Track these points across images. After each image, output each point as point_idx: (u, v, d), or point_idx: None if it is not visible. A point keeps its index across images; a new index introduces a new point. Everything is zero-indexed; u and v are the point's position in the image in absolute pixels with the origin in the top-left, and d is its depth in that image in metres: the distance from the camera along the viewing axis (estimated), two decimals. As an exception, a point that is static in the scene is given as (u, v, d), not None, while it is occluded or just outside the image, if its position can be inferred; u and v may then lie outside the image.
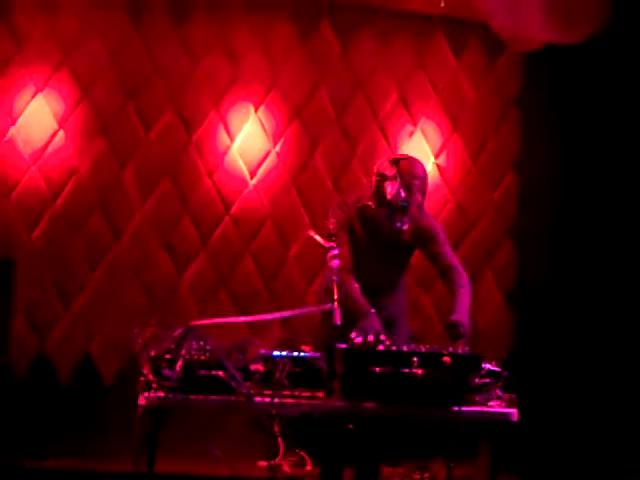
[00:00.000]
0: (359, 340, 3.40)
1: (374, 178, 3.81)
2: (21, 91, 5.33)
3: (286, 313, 3.71)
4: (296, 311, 3.63)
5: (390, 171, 3.73)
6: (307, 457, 5.02)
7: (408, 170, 3.74)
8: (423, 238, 3.90)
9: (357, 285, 3.72)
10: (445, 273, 3.88)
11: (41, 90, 5.36)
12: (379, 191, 3.76)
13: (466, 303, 3.77)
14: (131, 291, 5.41)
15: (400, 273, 4.02)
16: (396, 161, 3.78)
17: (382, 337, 3.48)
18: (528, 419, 3.50)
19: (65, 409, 5.19)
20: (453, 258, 3.93)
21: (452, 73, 5.87)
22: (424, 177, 3.80)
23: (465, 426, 3.50)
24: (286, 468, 5.11)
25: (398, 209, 3.71)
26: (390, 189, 3.71)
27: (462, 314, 3.69)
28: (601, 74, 5.62)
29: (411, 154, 4.03)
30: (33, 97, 5.35)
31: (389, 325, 3.81)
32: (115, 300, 5.38)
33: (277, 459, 5.12)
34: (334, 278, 3.40)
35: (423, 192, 3.79)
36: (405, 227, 3.78)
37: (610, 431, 5.26)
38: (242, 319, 3.83)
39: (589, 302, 5.57)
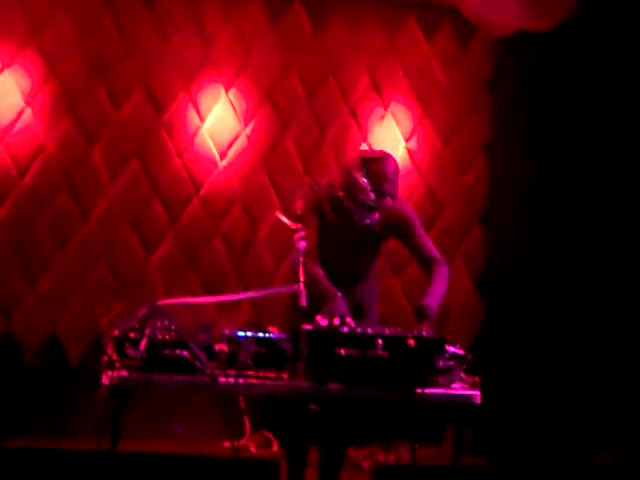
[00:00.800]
0: (325, 322, 3.40)
1: (344, 173, 3.74)
2: (-13, 68, 5.27)
3: (252, 293, 3.70)
4: (262, 292, 3.62)
5: (358, 172, 3.67)
6: (273, 438, 5.04)
7: (378, 172, 3.64)
8: (398, 229, 3.87)
9: (322, 271, 3.69)
10: (425, 265, 3.87)
11: (8, 67, 5.29)
12: (347, 188, 3.70)
13: (439, 290, 3.76)
14: (99, 271, 5.37)
15: (371, 260, 4.00)
16: (366, 162, 3.67)
17: (348, 320, 3.47)
18: (492, 401, 3.53)
19: (31, 389, 5.16)
20: (432, 248, 3.90)
21: (423, 57, 5.86)
22: (395, 179, 3.69)
23: (429, 408, 3.52)
24: (252, 448, 5.13)
25: (366, 208, 3.68)
26: (358, 191, 3.65)
27: (432, 299, 3.69)
28: (572, 59, 5.65)
29: (383, 143, 4.01)
30: None
31: (359, 311, 3.80)
32: (82, 280, 5.35)
33: (243, 440, 5.14)
34: (300, 259, 3.40)
35: (393, 194, 3.70)
36: (375, 221, 3.73)
37: (572, 410, 5.33)
38: (208, 299, 3.81)
39: (557, 286, 5.61)
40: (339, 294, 3.63)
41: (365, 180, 3.62)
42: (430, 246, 3.90)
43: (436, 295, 3.73)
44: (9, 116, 5.28)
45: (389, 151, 3.86)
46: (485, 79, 5.94)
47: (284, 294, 3.66)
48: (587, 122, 5.62)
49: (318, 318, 3.42)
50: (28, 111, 5.32)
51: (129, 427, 3.19)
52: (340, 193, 3.72)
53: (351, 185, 3.67)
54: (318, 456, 3.87)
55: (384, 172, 3.66)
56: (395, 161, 3.76)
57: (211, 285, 5.44)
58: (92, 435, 3.19)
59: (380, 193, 3.64)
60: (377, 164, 3.68)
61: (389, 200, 3.68)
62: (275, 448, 4.98)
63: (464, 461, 3.43)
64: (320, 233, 3.77)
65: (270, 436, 5.09)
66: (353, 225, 3.77)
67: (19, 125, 5.30)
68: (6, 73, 5.29)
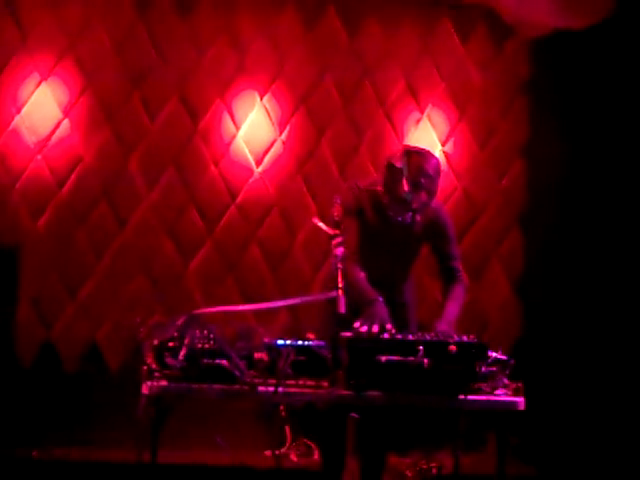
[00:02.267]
0: (364, 329, 3.37)
1: (385, 165, 3.75)
2: (26, 80, 5.34)
3: (291, 301, 3.67)
4: (301, 299, 3.59)
5: (399, 162, 3.66)
6: (314, 446, 5.01)
7: (417, 165, 3.63)
8: (433, 233, 3.86)
9: (363, 274, 3.67)
10: (447, 274, 3.88)
11: (45, 79, 5.35)
12: (386, 180, 3.70)
13: (454, 312, 3.77)
14: (137, 280, 5.40)
15: (410, 263, 3.98)
16: (408, 153, 3.68)
17: (388, 326, 3.44)
18: (536, 407, 3.47)
19: (71, 398, 5.20)
20: (458, 262, 3.90)
21: (459, 60, 5.81)
22: (434, 176, 3.68)
23: (472, 415, 3.47)
24: (293, 457, 5.11)
25: (402, 202, 3.66)
26: (397, 181, 3.64)
27: (445, 324, 3.68)
28: (609, 59, 5.56)
29: (421, 145, 3.96)
30: (38, 86, 5.34)
31: (399, 315, 3.77)
32: (121, 289, 5.38)
33: (284, 448, 5.12)
34: (339, 265, 3.36)
35: (430, 191, 3.68)
36: (408, 221, 3.72)
37: (618, 417, 5.23)
38: (246, 307, 3.79)
39: (597, 289, 5.52)
40: (380, 299, 3.60)
41: (404, 171, 3.61)
42: (457, 257, 3.91)
43: (451, 319, 3.73)
44: (47, 127, 5.34)
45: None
46: (522, 81, 5.87)
47: (323, 301, 3.63)
48: (626, 122, 5.53)
49: (356, 325, 3.39)
50: (66, 122, 5.37)
51: (170, 437, 3.19)
52: (379, 188, 3.71)
53: (389, 176, 3.66)
54: (359, 464, 3.83)
55: (424, 166, 3.66)
56: (437, 160, 3.78)
57: (249, 292, 5.44)
58: (133, 444, 3.19)
59: (417, 186, 3.63)
60: (419, 157, 3.68)
61: (424, 195, 3.65)
62: (316, 456, 4.95)
63: (508, 469, 3.36)
64: (361, 235, 3.75)
65: (311, 444, 5.06)
66: (393, 225, 3.75)
67: (57, 136, 5.36)
68: (44, 85, 5.34)
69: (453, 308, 3.77)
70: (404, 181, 3.62)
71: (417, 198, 3.65)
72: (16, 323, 5.15)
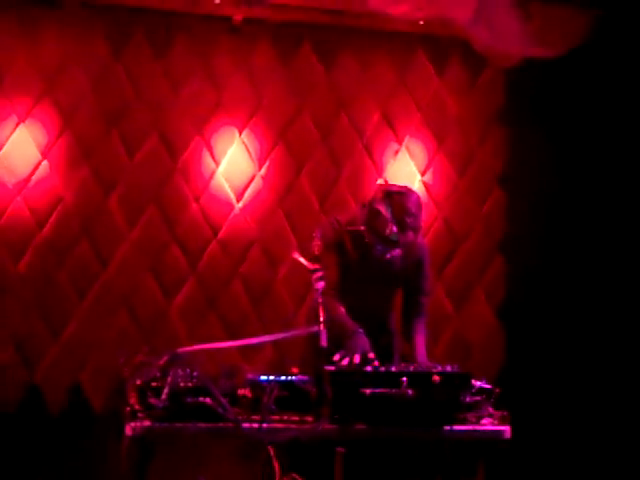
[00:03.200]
0: (345, 362, 3.37)
1: (366, 207, 3.75)
2: (3, 122, 5.32)
3: (274, 336, 3.68)
4: (283, 334, 3.60)
5: (381, 205, 3.67)
6: (302, 481, 4.97)
7: (400, 206, 3.66)
8: (413, 266, 3.88)
9: (342, 308, 3.69)
10: (413, 308, 3.93)
11: (23, 121, 5.34)
12: (369, 222, 3.71)
13: (424, 347, 3.83)
14: (120, 318, 5.37)
15: (394, 293, 3.99)
16: (389, 195, 3.70)
17: (370, 356, 3.44)
18: (522, 436, 3.47)
19: (56, 440, 5.14)
20: (428, 297, 3.98)
21: (435, 90, 5.87)
22: (417, 213, 3.72)
23: (459, 445, 3.47)
24: (281, 493, 5.07)
25: (388, 242, 3.67)
26: (381, 224, 3.65)
27: (423, 359, 3.76)
28: (583, 85, 5.64)
29: (398, 177, 4.01)
30: (15, 128, 5.33)
31: (384, 344, 3.78)
32: (104, 328, 5.34)
33: (272, 485, 5.08)
34: (319, 299, 3.37)
35: (416, 229, 3.72)
36: (396, 256, 3.74)
37: (605, 444, 5.23)
38: (229, 344, 3.79)
39: (580, 316, 5.55)
40: (360, 330, 3.60)
41: (388, 213, 3.62)
42: (427, 298, 3.95)
43: (425, 354, 3.80)
44: (26, 169, 5.33)
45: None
46: (498, 109, 5.93)
47: (305, 335, 3.63)
48: (602, 148, 5.59)
49: (336, 358, 3.39)
50: (45, 163, 5.36)
51: (155, 477, 3.16)
52: (362, 228, 3.72)
53: (373, 218, 3.67)
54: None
55: (407, 205, 3.68)
56: (418, 196, 3.80)
57: (232, 327, 5.43)
58: (118, 486, 3.17)
59: (403, 226, 3.65)
60: (400, 197, 3.70)
61: (411, 234, 3.68)
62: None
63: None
64: (342, 269, 3.76)
65: (299, 479, 5.03)
66: (374, 261, 3.75)
67: (36, 177, 5.34)
68: (22, 127, 5.34)
69: (422, 342, 3.82)
70: (388, 223, 3.63)
71: (404, 238, 3.67)
72: (-1, 367, 5.11)
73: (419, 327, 3.88)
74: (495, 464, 3.45)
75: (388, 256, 3.71)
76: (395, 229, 3.63)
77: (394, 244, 3.68)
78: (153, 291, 5.43)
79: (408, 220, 3.65)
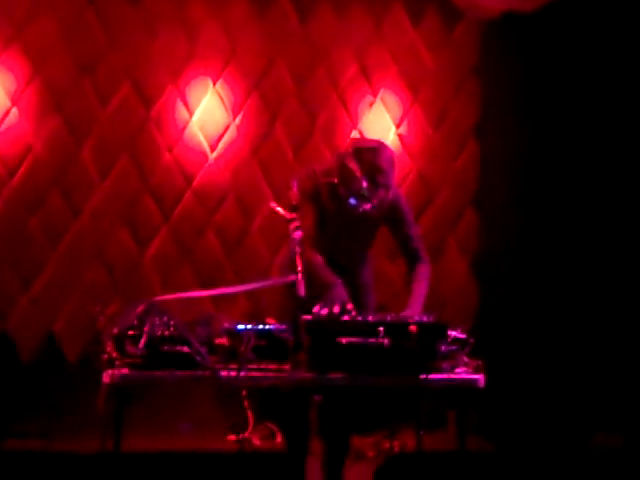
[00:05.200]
0: (324, 312, 3.38)
1: (338, 162, 3.72)
2: (-30, 68, 5.22)
3: (250, 286, 3.66)
4: (260, 283, 3.59)
5: (351, 162, 3.64)
6: (276, 429, 5.02)
7: (372, 162, 3.62)
8: (392, 218, 3.87)
9: (321, 258, 3.68)
10: (410, 258, 3.89)
11: (-7, 67, 5.25)
12: (341, 178, 3.68)
13: (421, 296, 3.80)
14: (93, 269, 5.35)
15: (367, 246, 3.99)
16: (359, 151, 3.65)
17: (349, 306, 3.45)
18: (495, 385, 3.52)
19: (28, 389, 5.13)
20: (420, 244, 3.92)
21: (411, 43, 5.83)
22: (389, 170, 3.67)
23: (433, 394, 3.51)
24: (256, 441, 5.12)
25: (358, 196, 3.66)
26: (351, 180, 3.63)
27: (415, 309, 3.72)
28: (559, 39, 5.63)
29: (373, 129, 3.97)
30: (-17, 74, 5.24)
31: (358, 296, 3.79)
32: (77, 278, 5.32)
33: (247, 432, 5.13)
34: (297, 249, 3.37)
35: (387, 185, 3.68)
36: (367, 210, 3.72)
37: (574, 391, 5.33)
38: (205, 293, 3.77)
39: (552, 267, 5.61)
40: (339, 281, 3.61)
41: (358, 169, 3.60)
42: (418, 238, 3.91)
43: (418, 303, 3.76)
44: (-5, 117, 5.24)
45: (381, 139, 3.84)
46: (472, 63, 5.92)
47: (282, 284, 3.63)
48: (574, 102, 5.61)
49: (316, 309, 3.40)
50: (14, 111, 5.28)
51: (132, 425, 3.17)
52: (336, 180, 3.70)
53: (344, 174, 3.65)
54: (322, 446, 3.86)
55: (378, 162, 3.64)
56: (390, 151, 3.75)
57: (206, 278, 5.42)
58: (93, 433, 3.17)
59: (373, 183, 3.62)
60: (370, 154, 3.65)
61: (382, 191, 3.66)
62: (279, 440, 4.97)
63: (469, 446, 3.41)
64: (318, 219, 3.75)
65: (274, 428, 5.08)
66: (348, 212, 3.75)
67: (5, 125, 5.26)
68: (-9, 74, 5.24)
69: (420, 289, 3.80)
70: (359, 179, 3.61)
71: (375, 194, 3.65)
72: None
73: (418, 274, 3.83)
74: (467, 414, 3.49)
75: (360, 209, 3.70)
76: (365, 185, 3.61)
77: (365, 199, 3.67)
78: (126, 241, 5.40)
79: (379, 177, 3.63)
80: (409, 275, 3.87)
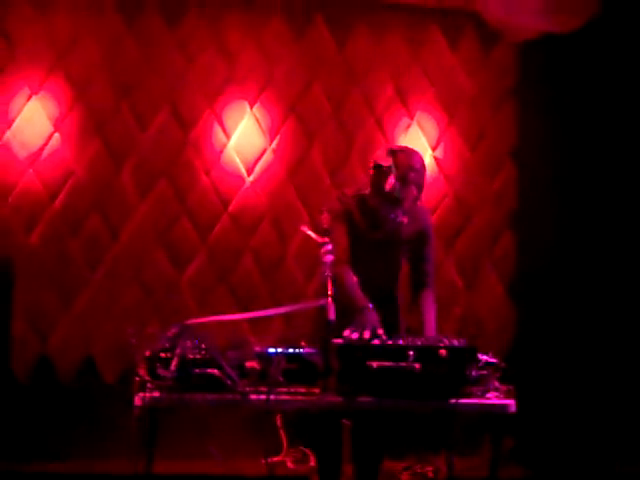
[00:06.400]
0: (355, 336, 3.38)
1: (371, 168, 3.79)
2: (16, 95, 5.33)
3: (282, 309, 3.69)
4: (291, 307, 3.62)
5: (386, 161, 3.71)
6: (309, 453, 5.02)
7: (404, 162, 3.71)
8: (418, 234, 3.90)
9: (355, 278, 3.70)
10: (419, 278, 3.93)
11: (36, 93, 5.36)
12: (374, 181, 3.75)
13: (434, 320, 3.85)
14: (131, 291, 5.41)
15: (400, 265, 4.00)
16: (393, 152, 3.76)
17: (379, 331, 3.46)
18: (531, 410, 3.49)
19: (68, 411, 5.19)
20: (432, 269, 3.98)
21: (447, 65, 5.84)
22: (421, 170, 3.77)
23: (465, 418, 3.49)
24: (289, 464, 5.12)
25: (392, 199, 3.70)
26: (385, 180, 3.69)
27: (431, 332, 3.77)
28: (597, 61, 5.60)
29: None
30: (28, 100, 5.35)
31: (389, 318, 3.79)
32: (115, 300, 5.39)
33: (280, 456, 5.14)
34: (328, 273, 3.39)
35: (419, 185, 3.75)
36: (400, 219, 3.76)
37: (609, 419, 5.25)
38: (238, 316, 3.81)
39: (590, 291, 5.55)
40: (370, 305, 3.61)
41: (392, 169, 3.65)
42: (432, 266, 3.95)
43: (434, 327, 3.81)
44: (38, 142, 5.35)
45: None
46: (510, 84, 5.90)
47: (313, 308, 3.64)
48: (613, 123, 5.56)
49: (346, 333, 3.41)
50: (57, 136, 5.38)
51: (164, 447, 3.20)
52: (367, 192, 3.75)
53: (377, 175, 3.69)
54: (353, 470, 3.85)
55: (410, 161, 3.73)
56: (421, 156, 3.85)
57: (242, 301, 5.46)
58: (126, 455, 3.20)
59: (406, 181, 3.66)
60: (404, 154, 3.76)
61: (414, 189, 3.71)
62: (312, 463, 4.96)
63: (504, 472, 3.38)
64: (350, 240, 3.78)
65: (307, 451, 5.08)
66: (382, 228, 3.78)
67: (48, 150, 5.36)
68: (34, 99, 5.36)
69: (431, 316, 3.83)
70: (392, 178, 3.67)
71: (407, 193, 3.69)
72: (11, 338, 5.15)
73: (428, 299, 3.89)
74: (500, 438, 3.46)
75: (392, 216, 3.73)
76: (398, 185, 3.66)
77: (397, 202, 3.70)
78: (164, 264, 5.46)
79: (412, 175, 3.69)
80: (415, 300, 3.88)
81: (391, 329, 3.64)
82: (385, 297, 3.88)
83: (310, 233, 3.55)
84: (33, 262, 5.28)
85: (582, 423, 5.28)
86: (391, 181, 3.68)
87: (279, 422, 4.85)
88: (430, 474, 4.80)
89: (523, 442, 4.89)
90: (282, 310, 3.60)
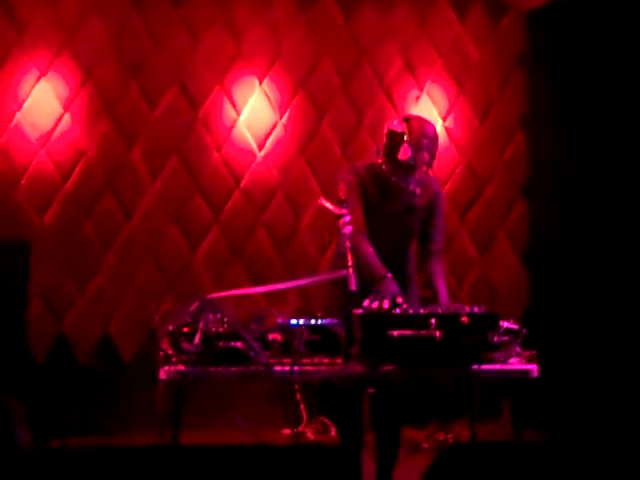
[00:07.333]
0: (374, 305, 3.40)
1: (384, 134, 3.80)
2: (25, 76, 5.34)
3: (301, 281, 3.71)
4: (311, 279, 3.63)
5: (399, 128, 3.72)
6: (330, 423, 5.05)
7: (418, 128, 3.72)
8: (429, 206, 3.91)
9: (372, 249, 3.71)
10: (429, 248, 3.94)
11: (44, 74, 5.36)
12: (388, 148, 3.75)
13: (446, 289, 3.88)
14: (146, 269, 5.43)
15: (413, 235, 4.01)
16: (407, 119, 3.77)
17: (399, 300, 3.47)
18: (549, 375, 3.50)
19: (87, 389, 5.24)
20: (442, 238, 4.00)
21: (456, 35, 5.83)
22: (434, 137, 3.79)
23: (486, 384, 3.51)
24: (310, 435, 5.16)
25: (405, 167, 3.71)
26: (398, 147, 3.70)
27: (444, 298, 3.81)
28: (606, 27, 5.56)
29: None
30: (37, 82, 5.35)
31: (405, 288, 3.80)
32: (130, 279, 5.42)
33: (301, 426, 5.18)
34: (347, 244, 3.40)
35: (432, 152, 3.77)
36: (413, 188, 3.76)
37: (631, 381, 5.26)
38: (257, 290, 3.84)
39: (604, 258, 5.54)
40: (389, 274, 3.62)
41: (406, 135, 3.66)
42: (442, 234, 3.97)
43: (445, 297, 3.83)
44: (49, 123, 5.36)
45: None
46: (518, 54, 5.89)
47: (333, 280, 3.65)
48: (623, 92, 5.53)
49: (366, 301, 3.42)
50: (67, 116, 5.38)
51: (188, 419, 3.22)
52: (380, 160, 3.75)
53: (390, 141, 3.70)
54: (374, 439, 3.88)
55: (424, 129, 3.74)
56: (435, 126, 3.86)
57: (257, 276, 5.48)
58: (147, 430, 3.23)
59: (419, 147, 3.68)
60: (418, 121, 3.79)
61: (426, 155, 3.72)
62: (333, 433, 5.00)
63: (524, 436, 3.39)
64: (365, 211, 3.79)
65: (327, 422, 5.11)
66: (395, 198, 3.79)
67: (59, 131, 5.37)
68: (43, 80, 5.36)
69: (443, 286, 3.86)
70: (406, 144, 3.68)
71: (420, 158, 3.70)
72: (28, 319, 5.18)
73: (437, 267, 3.89)
74: (522, 404, 3.48)
75: (404, 183, 3.74)
76: (410, 152, 3.67)
77: (410, 169, 3.71)
78: (178, 241, 5.48)
79: (425, 141, 3.71)
80: (423, 269, 3.90)
81: (406, 299, 3.65)
82: (400, 267, 3.88)
83: (328, 205, 3.55)
84: (48, 243, 5.30)
85: (598, 389, 5.30)
86: (404, 149, 3.68)
87: (299, 396, 4.89)
88: (451, 440, 4.83)
89: (542, 407, 4.91)
90: (303, 282, 3.61)
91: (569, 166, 5.69)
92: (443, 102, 5.80)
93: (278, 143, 5.61)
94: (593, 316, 5.47)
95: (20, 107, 5.33)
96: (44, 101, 5.35)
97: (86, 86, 5.41)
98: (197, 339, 3.20)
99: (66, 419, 5.09)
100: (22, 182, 5.32)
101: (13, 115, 5.32)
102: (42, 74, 5.35)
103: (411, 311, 3.34)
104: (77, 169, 5.38)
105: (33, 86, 5.35)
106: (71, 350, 5.34)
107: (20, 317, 5.11)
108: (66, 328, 5.34)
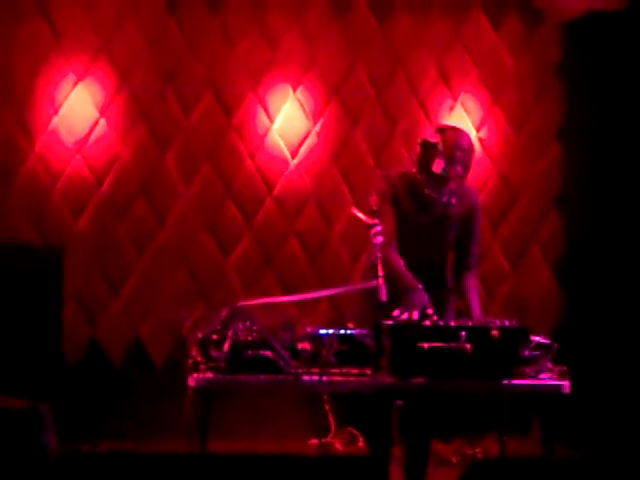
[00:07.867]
0: (404, 316, 3.38)
1: (418, 144, 3.79)
2: (62, 82, 5.41)
3: (332, 291, 3.71)
4: (341, 289, 3.63)
5: (433, 139, 3.71)
6: (358, 434, 5.04)
7: (452, 140, 3.71)
8: (466, 217, 3.88)
9: (402, 261, 3.70)
10: (464, 259, 3.92)
11: (81, 79, 5.42)
12: (421, 159, 3.74)
13: (479, 303, 3.86)
14: (178, 275, 5.46)
15: (449, 245, 3.99)
16: (441, 130, 3.76)
17: (429, 311, 3.45)
18: (580, 391, 3.46)
19: (118, 392, 5.28)
20: (479, 248, 3.99)
21: (491, 45, 5.78)
22: (469, 149, 3.76)
23: (516, 400, 3.48)
24: (338, 446, 5.15)
25: (439, 178, 3.69)
26: (432, 158, 3.69)
27: (478, 313, 3.78)
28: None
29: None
30: (74, 87, 5.41)
31: (439, 299, 3.79)
32: (162, 284, 5.45)
33: (329, 437, 5.17)
34: (378, 255, 3.39)
35: (465, 165, 3.74)
36: (448, 200, 3.74)
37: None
38: (288, 298, 3.83)
39: (638, 271, 5.48)
40: (419, 286, 3.61)
41: (439, 147, 3.64)
42: (478, 247, 3.94)
43: (478, 310, 3.81)
44: (84, 127, 5.41)
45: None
46: (555, 64, 5.83)
47: (364, 290, 3.65)
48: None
49: (395, 314, 3.41)
50: (102, 121, 5.44)
51: (216, 427, 3.23)
52: (414, 170, 3.74)
53: (424, 153, 3.69)
54: (403, 452, 3.86)
55: (458, 140, 3.73)
56: (470, 136, 3.86)
57: (288, 284, 5.48)
58: (176, 436, 3.24)
59: (453, 160, 3.66)
60: (452, 132, 3.77)
61: (460, 168, 3.70)
62: (361, 444, 4.99)
63: (553, 452, 3.36)
64: (398, 222, 3.78)
65: (355, 432, 5.10)
66: (430, 209, 3.77)
67: (94, 135, 5.43)
68: (80, 86, 5.42)
69: (477, 298, 3.84)
70: (439, 156, 3.66)
71: (453, 171, 3.69)
72: (62, 322, 5.23)
73: (472, 282, 3.89)
74: (550, 420, 3.45)
75: (435, 194, 3.72)
76: (444, 163, 3.64)
77: (443, 180, 3.69)
78: (210, 247, 5.51)
79: (458, 154, 3.69)
80: (459, 282, 3.88)
81: (441, 312, 3.63)
82: (435, 279, 3.86)
83: (360, 215, 3.55)
84: (82, 247, 5.36)
85: (629, 406, 5.23)
86: (438, 161, 3.67)
87: (327, 406, 4.88)
88: (480, 455, 4.80)
89: (573, 423, 4.85)
90: (333, 291, 3.61)
91: (604, 179, 5.63)
92: (477, 113, 5.76)
93: (311, 151, 5.61)
94: (626, 332, 5.41)
95: (57, 112, 5.40)
96: (80, 106, 5.41)
97: (122, 91, 5.46)
98: (226, 347, 3.21)
99: (97, 423, 5.13)
100: (58, 186, 5.38)
101: (50, 120, 5.39)
102: (79, 79, 5.41)
103: (441, 323, 3.32)
104: (112, 174, 5.43)
105: (70, 91, 5.41)
106: (104, 354, 5.38)
107: (55, 321, 5.17)
108: (99, 331, 5.38)
